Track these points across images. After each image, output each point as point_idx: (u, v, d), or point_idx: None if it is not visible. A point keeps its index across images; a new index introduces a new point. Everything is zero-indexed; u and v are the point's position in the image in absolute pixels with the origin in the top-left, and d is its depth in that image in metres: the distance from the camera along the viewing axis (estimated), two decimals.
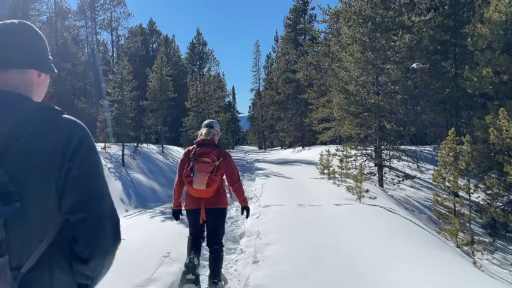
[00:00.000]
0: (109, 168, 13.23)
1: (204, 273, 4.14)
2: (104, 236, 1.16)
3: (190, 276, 3.87)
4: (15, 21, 1.22)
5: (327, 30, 27.68)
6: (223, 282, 4.00)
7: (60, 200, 1.11)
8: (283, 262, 4.69)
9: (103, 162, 13.69)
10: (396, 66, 13.71)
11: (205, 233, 4.07)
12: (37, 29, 1.27)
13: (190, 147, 4.01)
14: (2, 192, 1.01)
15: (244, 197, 4.18)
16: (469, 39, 13.40)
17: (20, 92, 1.16)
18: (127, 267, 4.83)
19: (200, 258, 4.05)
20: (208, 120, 4.21)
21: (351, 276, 4.17)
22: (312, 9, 38.46)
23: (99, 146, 16.12)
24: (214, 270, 3.88)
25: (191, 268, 3.89)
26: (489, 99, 13.81)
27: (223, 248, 4.09)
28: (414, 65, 14.51)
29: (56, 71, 1.32)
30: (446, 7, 19.26)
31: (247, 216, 4.32)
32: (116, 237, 1.20)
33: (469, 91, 13.82)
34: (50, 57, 1.31)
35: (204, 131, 4.00)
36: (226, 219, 4.89)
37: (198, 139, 3.99)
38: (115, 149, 15.94)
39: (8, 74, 1.16)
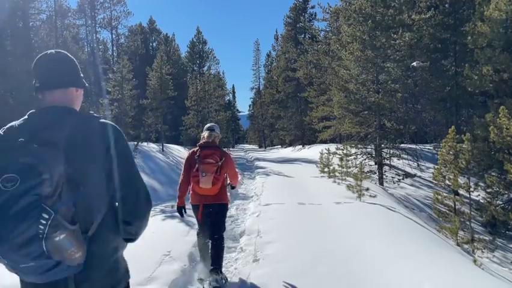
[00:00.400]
0: None
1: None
2: (140, 206, 1.65)
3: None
4: (53, 51, 1.69)
5: (327, 29, 27.67)
6: (224, 274, 4.19)
7: (109, 182, 1.56)
8: (284, 260, 4.69)
9: None
10: (396, 64, 13.69)
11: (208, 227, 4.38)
12: (70, 55, 1.72)
13: (194, 149, 4.38)
14: (69, 181, 1.41)
15: (236, 184, 4.84)
16: (469, 38, 13.40)
17: (65, 105, 1.61)
18: (128, 265, 4.84)
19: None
20: (209, 124, 4.60)
21: (352, 275, 4.17)
22: (312, 7, 38.44)
23: None
24: (215, 260, 4.12)
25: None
26: (489, 97, 13.81)
27: (223, 240, 4.36)
28: (414, 63, 14.50)
29: (87, 84, 1.76)
30: (446, 5, 19.26)
31: (232, 188, 4.87)
32: (148, 206, 1.70)
33: (469, 89, 13.82)
34: (81, 74, 1.74)
35: (205, 134, 4.41)
36: (227, 218, 5.09)
37: (201, 141, 4.40)
38: None
39: (55, 92, 1.62)
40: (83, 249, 1.43)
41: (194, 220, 6.87)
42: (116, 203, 1.61)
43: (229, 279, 4.25)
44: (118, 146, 1.58)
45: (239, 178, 4.73)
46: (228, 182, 4.63)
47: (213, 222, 4.28)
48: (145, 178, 14.19)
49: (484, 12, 12.48)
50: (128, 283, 1.79)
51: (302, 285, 3.95)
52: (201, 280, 4.32)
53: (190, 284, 4.41)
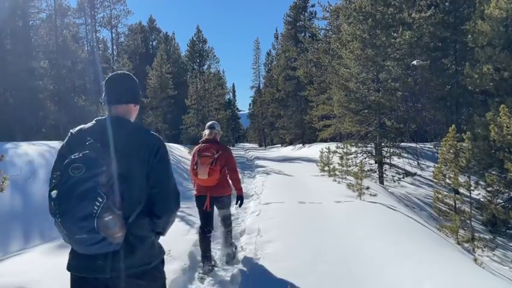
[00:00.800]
0: None
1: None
2: (170, 204, 2.01)
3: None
4: (119, 72, 2.16)
5: (327, 27, 27.67)
6: (235, 246, 5.05)
7: (148, 181, 1.92)
8: (284, 259, 4.69)
9: None
10: (396, 63, 13.67)
11: (213, 222, 4.88)
12: (133, 77, 2.19)
13: (198, 146, 4.83)
14: (119, 175, 1.78)
15: (240, 186, 4.98)
16: (470, 36, 13.39)
17: (124, 117, 2.06)
18: None
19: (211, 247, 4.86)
20: (210, 122, 5.03)
21: (352, 274, 4.17)
22: (312, 6, 38.42)
23: None
24: (226, 237, 4.92)
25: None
26: (489, 96, 13.80)
27: (232, 229, 5.10)
28: (414, 62, 14.49)
29: (142, 99, 2.27)
30: (446, 4, 19.24)
31: (240, 205, 5.08)
32: (176, 205, 2.06)
33: (470, 88, 13.81)
34: (139, 92, 2.21)
35: (207, 132, 4.89)
36: None
37: (203, 138, 4.87)
38: None
39: (119, 107, 2.07)
40: (123, 231, 1.78)
41: (194, 219, 6.91)
42: (152, 199, 1.98)
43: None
44: (159, 153, 1.98)
45: (239, 177, 5.11)
46: (233, 183, 4.94)
47: (220, 213, 4.99)
48: None
49: (484, 10, 12.46)
50: (163, 259, 2.18)
51: (303, 285, 3.95)
52: (201, 279, 4.34)
53: (191, 283, 4.41)
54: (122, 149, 1.88)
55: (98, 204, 1.66)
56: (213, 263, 4.74)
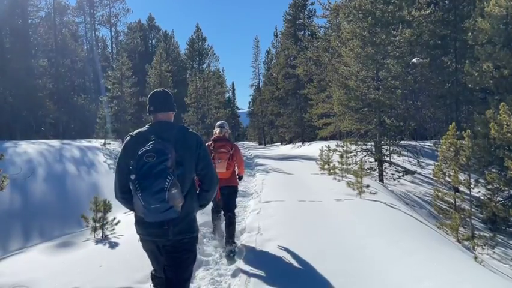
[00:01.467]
0: (108, 165, 13.22)
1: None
2: (214, 181, 2.77)
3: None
4: (161, 89, 2.91)
5: (327, 25, 27.59)
6: (237, 243, 5.37)
7: (196, 166, 2.67)
8: (284, 257, 4.68)
9: (103, 158, 13.68)
10: (396, 61, 13.66)
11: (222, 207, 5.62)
12: (170, 92, 2.93)
13: (209, 143, 5.30)
14: (177, 162, 2.42)
15: (243, 172, 5.82)
16: (469, 34, 13.37)
17: (168, 121, 2.77)
18: (128, 264, 4.83)
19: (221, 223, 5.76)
20: (219, 122, 5.70)
21: (352, 272, 4.17)
22: (312, 4, 38.29)
23: (99, 142, 16.10)
24: (229, 234, 5.30)
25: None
26: (489, 93, 13.79)
27: (235, 217, 5.63)
28: (414, 60, 14.47)
29: (175, 110, 2.90)
30: (446, 1, 19.22)
31: (239, 179, 5.76)
32: (217, 183, 2.82)
33: (469, 86, 13.79)
34: (174, 103, 2.89)
35: (217, 130, 5.51)
36: None
37: (214, 136, 5.50)
38: (115, 145, 15.93)
39: (162, 114, 2.76)
40: (182, 202, 2.46)
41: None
42: (201, 179, 2.79)
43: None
44: (201, 146, 2.73)
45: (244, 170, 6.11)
46: (237, 173, 5.65)
47: (226, 202, 5.44)
48: None
49: (484, 8, 12.44)
50: (197, 236, 2.79)
51: (303, 282, 3.95)
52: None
53: (190, 282, 4.40)
54: (176, 143, 2.55)
55: (168, 181, 2.33)
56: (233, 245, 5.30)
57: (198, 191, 2.80)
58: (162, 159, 2.37)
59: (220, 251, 5.35)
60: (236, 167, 5.58)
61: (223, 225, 5.63)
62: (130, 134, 2.74)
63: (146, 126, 2.74)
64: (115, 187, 2.67)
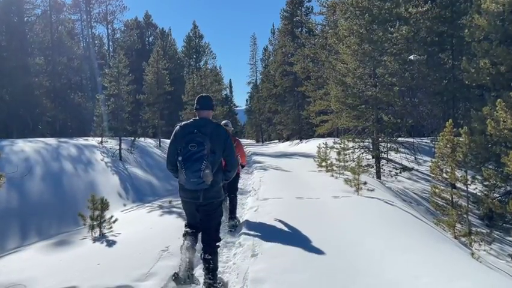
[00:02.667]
0: (106, 163, 13.19)
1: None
2: (234, 164, 3.88)
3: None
4: (205, 94, 4.03)
5: (324, 23, 27.53)
6: (238, 219, 6.51)
7: (223, 153, 3.73)
8: (282, 255, 4.69)
9: (100, 156, 13.64)
10: (393, 58, 13.66)
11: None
12: (211, 96, 4.09)
13: None
14: (211, 150, 3.50)
15: (245, 162, 7.21)
16: (466, 31, 13.37)
17: (207, 117, 3.80)
18: (126, 262, 4.83)
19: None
20: (224, 121, 6.87)
21: (350, 269, 4.17)
22: (309, 1, 38.28)
23: (96, 140, 16.06)
24: (231, 211, 6.62)
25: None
26: (486, 90, 13.82)
27: (237, 198, 6.97)
28: (411, 57, 14.46)
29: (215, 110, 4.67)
30: None
31: (242, 167, 7.12)
32: (236, 165, 3.96)
33: (466, 82, 13.81)
34: (214, 103, 4.07)
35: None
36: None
37: None
38: (112, 143, 15.87)
39: (205, 112, 3.81)
40: (211, 178, 3.49)
41: None
42: (226, 161, 3.82)
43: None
44: (228, 139, 3.75)
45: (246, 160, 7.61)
46: (240, 162, 6.52)
47: (230, 184, 6.27)
48: (143, 174, 14.19)
49: (481, 5, 12.43)
50: (223, 199, 3.94)
51: (301, 279, 3.95)
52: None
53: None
54: (211, 136, 3.58)
55: (203, 164, 3.44)
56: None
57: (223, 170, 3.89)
58: (201, 149, 3.47)
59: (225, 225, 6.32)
60: (239, 158, 6.27)
61: (227, 204, 6.71)
62: (179, 124, 3.79)
63: (191, 120, 3.79)
64: (166, 161, 3.86)
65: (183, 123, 3.76)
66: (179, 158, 3.50)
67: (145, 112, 24.81)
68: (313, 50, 26.71)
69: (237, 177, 6.74)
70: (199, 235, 3.89)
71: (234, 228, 6.22)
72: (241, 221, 6.82)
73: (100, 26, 40.30)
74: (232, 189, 6.64)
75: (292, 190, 9.24)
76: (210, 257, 3.90)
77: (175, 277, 3.69)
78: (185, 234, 3.90)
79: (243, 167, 7.17)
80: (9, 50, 21.91)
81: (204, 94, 4.04)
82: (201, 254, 3.87)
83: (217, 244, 4.09)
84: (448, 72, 18.74)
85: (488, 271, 4.55)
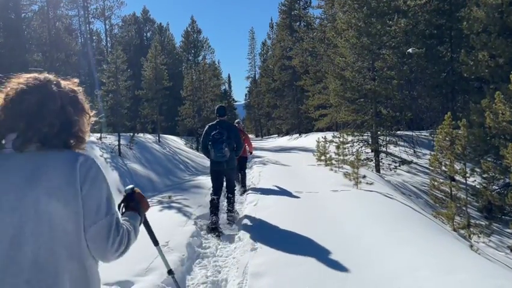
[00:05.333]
0: (105, 159, 13.19)
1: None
2: (240, 146, 6.69)
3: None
4: (221, 105, 7.20)
5: (323, 16, 27.48)
6: (237, 212, 7.13)
7: (234, 139, 6.45)
8: (281, 249, 4.71)
9: (100, 152, 13.64)
10: (392, 51, 13.63)
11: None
12: (224, 105, 7.81)
13: None
14: (227, 137, 6.18)
15: (252, 149, 10.67)
16: (465, 23, 13.31)
17: (225, 119, 6.57)
18: (125, 257, 4.84)
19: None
20: (236, 120, 10.07)
21: (349, 262, 4.19)
22: None
23: (95, 136, 16.05)
24: (242, 182, 9.52)
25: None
26: (485, 83, 13.79)
27: (246, 175, 9.90)
28: (410, 50, 14.44)
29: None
30: None
31: (250, 154, 10.56)
32: (242, 147, 7.10)
33: (465, 75, 13.78)
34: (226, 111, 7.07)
35: (236, 124, 8.65)
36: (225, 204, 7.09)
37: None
38: (111, 139, 15.87)
39: (223, 117, 6.56)
40: (229, 154, 6.17)
41: (191, 210, 7.02)
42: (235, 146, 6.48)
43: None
44: (236, 131, 6.53)
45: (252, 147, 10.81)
46: (248, 150, 9.90)
47: (241, 165, 9.25)
48: (142, 169, 14.19)
49: None
50: (235, 166, 6.94)
51: (301, 273, 3.97)
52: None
53: (189, 274, 4.43)
54: (227, 130, 6.21)
55: (224, 145, 6.02)
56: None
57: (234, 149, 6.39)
58: (221, 136, 6.06)
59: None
60: (247, 147, 9.53)
61: (239, 178, 9.39)
62: (208, 124, 6.54)
63: (215, 121, 6.43)
64: (202, 146, 6.79)
65: (210, 123, 6.50)
66: (210, 143, 6.15)
67: (144, 108, 24.80)
68: (312, 44, 26.67)
69: (245, 159, 9.85)
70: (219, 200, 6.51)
71: (233, 221, 6.53)
72: (240, 215, 6.84)
73: (97, 21, 40.28)
74: (242, 168, 9.51)
75: (292, 184, 9.26)
76: (231, 195, 6.72)
77: (210, 229, 6.03)
78: (212, 200, 6.30)
79: (250, 153, 10.41)
80: (6, 47, 21.81)
81: (221, 105, 6.85)
82: (226, 194, 6.82)
83: (234, 188, 6.89)
84: (447, 65, 18.70)
85: (487, 263, 4.57)
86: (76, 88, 1.57)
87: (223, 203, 7.04)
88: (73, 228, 1.36)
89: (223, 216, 6.70)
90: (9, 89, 1.43)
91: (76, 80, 1.62)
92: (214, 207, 6.18)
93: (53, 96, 1.44)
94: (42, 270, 1.30)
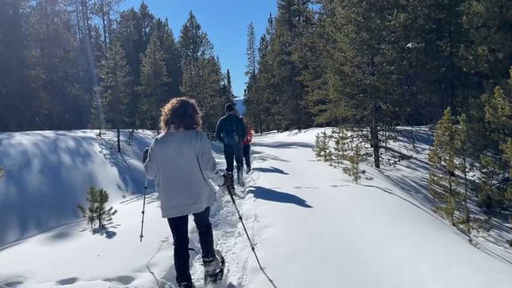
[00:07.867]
0: (104, 155, 13.17)
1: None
2: (245, 133, 9.54)
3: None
4: (230, 103, 10.51)
5: (322, 11, 27.37)
6: (250, 169, 11.94)
7: (240, 128, 9.17)
8: (281, 244, 4.71)
9: (99, 148, 13.62)
10: (391, 46, 13.61)
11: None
12: (232, 104, 10.81)
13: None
14: (236, 127, 8.97)
15: (251, 138, 13.52)
16: (464, 17, 13.26)
17: (234, 114, 9.21)
18: (126, 253, 4.84)
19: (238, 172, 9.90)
20: (241, 116, 10.68)
21: (348, 257, 4.20)
22: None
23: (94, 132, 16.02)
24: (247, 163, 12.05)
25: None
26: (484, 77, 13.78)
27: (250, 157, 13.10)
28: (409, 45, 14.41)
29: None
30: None
31: (250, 141, 12.85)
32: (246, 135, 10.07)
33: (464, 70, 13.75)
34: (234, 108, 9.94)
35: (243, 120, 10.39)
36: (225, 203, 7.74)
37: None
38: (110, 135, 15.85)
39: (232, 112, 9.18)
40: (238, 140, 8.95)
41: None
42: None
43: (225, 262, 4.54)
44: (243, 123, 9.40)
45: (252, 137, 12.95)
46: (249, 139, 12.16)
47: (245, 151, 11.45)
48: (141, 165, 14.16)
49: None
50: (242, 146, 9.86)
51: (300, 268, 3.97)
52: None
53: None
54: (237, 122, 8.95)
55: (234, 133, 8.81)
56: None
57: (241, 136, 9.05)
58: (232, 127, 8.82)
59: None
60: (249, 137, 11.83)
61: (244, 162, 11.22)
62: (220, 119, 9.15)
63: (225, 116, 8.99)
64: (216, 135, 9.09)
65: (222, 117, 9.06)
66: (223, 132, 8.78)
67: (143, 103, 24.71)
68: (311, 39, 26.58)
69: (248, 147, 12.42)
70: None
71: (248, 173, 11.30)
72: (241, 211, 6.84)
73: (96, 17, 39.99)
74: (246, 153, 11.85)
75: (291, 180, 9.26)
76: (240, 164, 9.72)
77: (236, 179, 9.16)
78: (228, 169, 9.10)
79: (249, 141, 12.45)
80: (4, 43, 21.73)
81: (230, 103, 9.49)
82: (236, 164, 9.61)
83: (241, 160, 9.77)
84: (446, 59, 18.68)
85: (486, 257, 4.58)
86: (194, 102, 3.78)
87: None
88: (196, 159, 3.54)
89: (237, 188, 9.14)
90: (170, 104, 3.64)
91: (194, 100, 3.89)
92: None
93: (188, 107, 3.63)
94: (188, 179, 3.55)
